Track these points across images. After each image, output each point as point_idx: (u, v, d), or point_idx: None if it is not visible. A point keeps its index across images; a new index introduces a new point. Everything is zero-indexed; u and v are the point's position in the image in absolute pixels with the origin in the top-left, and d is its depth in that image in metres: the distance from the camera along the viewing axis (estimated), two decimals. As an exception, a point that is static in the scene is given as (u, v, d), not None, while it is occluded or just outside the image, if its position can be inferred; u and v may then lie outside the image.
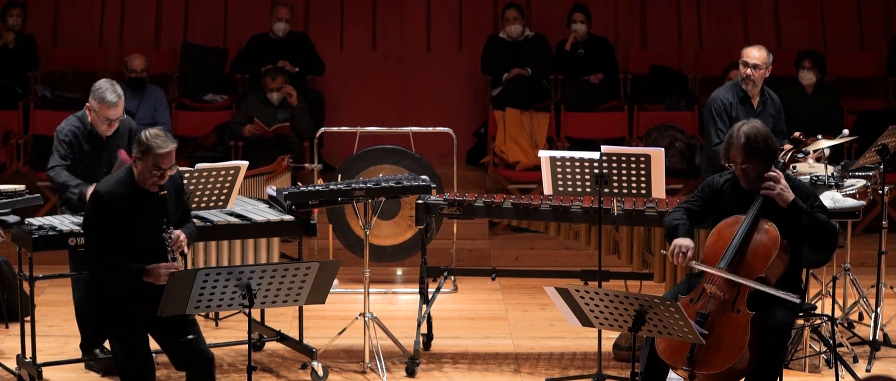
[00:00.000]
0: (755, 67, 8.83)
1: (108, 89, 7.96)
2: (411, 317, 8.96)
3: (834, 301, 8.79)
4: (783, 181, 6.85)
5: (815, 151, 8.63)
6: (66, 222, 7.71)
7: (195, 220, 7.39)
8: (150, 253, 6.67)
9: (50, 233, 7.55)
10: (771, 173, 6.85)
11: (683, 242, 6.92)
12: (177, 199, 6.86)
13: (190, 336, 6.65)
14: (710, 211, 7.08)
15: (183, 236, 6.73)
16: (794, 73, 11.48)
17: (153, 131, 6.67)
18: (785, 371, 7.47)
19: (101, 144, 8.10)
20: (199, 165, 7.92)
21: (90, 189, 7.94)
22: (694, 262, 6.88)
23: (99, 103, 7.96)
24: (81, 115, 8.11)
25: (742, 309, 6.71)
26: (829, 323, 7.99)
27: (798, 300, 6.83)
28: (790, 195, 6.82)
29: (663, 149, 7.92)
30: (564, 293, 6.51)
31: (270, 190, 8.35)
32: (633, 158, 7.80)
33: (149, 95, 11.45)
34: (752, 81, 8.85)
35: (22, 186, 8.40)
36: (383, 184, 8.29)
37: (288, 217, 8.05)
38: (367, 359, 8.31)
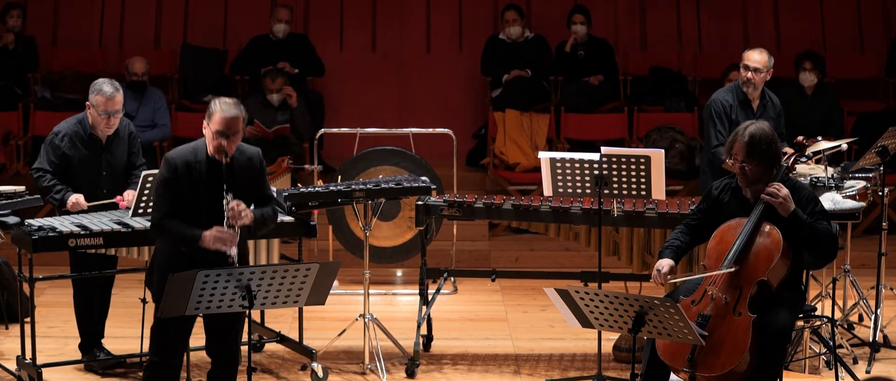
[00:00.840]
0: (756, 70, 8.82)
1: (105, 83, 7.97)
2: (411, 318, 8.96)
3: (834, 303, 8.79)
4: (785, 191, 6.80)
5: (815, 154, 8.63)
6: (66, 223, 7.70)
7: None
8: (212, 222, 6.63)
9: (50, 234, 7.54)
10: (775, 185, 6.82)
11: (660, 262, 6.92)
12: (251, 177, 6.77)
13: (223, 341, 6.68)
14: (712, 220, 7.04)
15: (243, 207, 6.63)
16: (793, 74, 11.49)
17: (224, 99, 6.73)
18: (785, 373, 7.47)
19: (99, 148, 8.09)
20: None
21: (72, 198, 7.95)
22: (670, 277, 6.88)
23: (97, 96, 7.95)
24: (82, 117, 8.09)
25: (743, 312, 6.70)
26: (829, 325, 7.99)
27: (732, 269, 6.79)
28: (791, 206, 6.79)
29: (663, 150, 7.92)
30: (564, 295, 6.51)
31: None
32: (632, 160, 7.80)
33: (148, 98, 11.47)
34: (752, 84, 8.84)
35: (22, 187, 8.39)
36: (383, 185, 8.29)
37: (288, 218, 8.05)
38: (366, 360, 8.31)
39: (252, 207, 6.76)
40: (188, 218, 6.65)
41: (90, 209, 7.99)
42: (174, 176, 6.65)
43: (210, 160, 6.69)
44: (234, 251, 6.62)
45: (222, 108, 6.67)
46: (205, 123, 6.70)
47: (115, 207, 8.06)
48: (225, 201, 6.62)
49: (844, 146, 8.64)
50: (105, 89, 7.94)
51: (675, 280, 6.91)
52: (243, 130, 6.75)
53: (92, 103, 7.99)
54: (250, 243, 8.12)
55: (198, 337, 6.97)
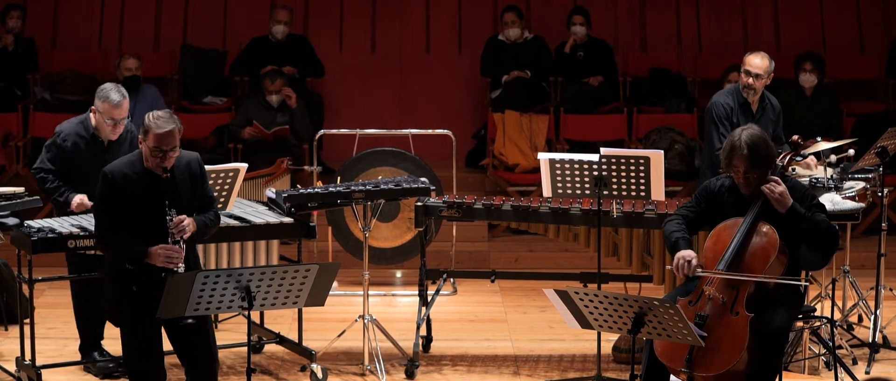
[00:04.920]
0: (757, 76, 8.79)
1: (113, 89, 7.98)
2: (411, 319, 8.97)
3: (833, 303, 8.80)
4: (782, 187, 6.83)
5: (815, 156, 8.63)
6: (65, 225, 7.70)
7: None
8: (157, 236, 6.58)
9: (49, 235, 7.54)
10: (773, 178, 6.84)
11: (686, 253, 6.89)
12: (192, 185, 6.73)
13: (189, 320, 6.53)
14: (708, 216, 7.06)
15: (187, 221, 6.60)
16: (793, 75, 11.49)
17: (157, 113, 6.61)
18: (784, 374, 7.46)
19: (101, 150, 8.08)
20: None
21: (76, 198, 7.94)
22: (699, 270, 6.86)
23: (103, 103, 7.95)
24: (84, 119, 8.09)
25: (741, 311, 6.71)
26: (829, 325, 7.99)
27: (802, 283, 6.80)
28: (789, 201, 6.81)
29: (662, 151, 7.93)
30: (564, 295, 6.51)
31: (270, 192, 8.35)
32: (632, 161, 7.80)
33: (144, 95, 11.46)
34: (753, 89, 8.82)
35: (21, 189, 8.40)
36: (382, 186, 8.29)
37: (287, 219, 8.04)
38: (366, 361, 8.31)
39: (194, 214, 6.72)
40: (130, 232, 6.60)
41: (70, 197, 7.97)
42: (113, 190, 6.59)
43: (148, 173, 6.61)
44: (181, 267, 6.58)
45: (157, 124, 6.53)
46: (140, 137, 6.60)
47: (89, 188, 8.02)
48: (168, 217, 6.58)
49: (851, 153, 8.64)
50: (112, 97, 7.94)
51: (701, 273, 6.85)
52: (180, 142, 6.62)
53: (98, 109, 7.98)
54: (249, 244, 8.14)
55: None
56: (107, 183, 6.61)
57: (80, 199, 7.98)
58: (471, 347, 8.94)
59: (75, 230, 7.59)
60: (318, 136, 10.63)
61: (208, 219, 6.80)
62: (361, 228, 8.32)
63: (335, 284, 9.82)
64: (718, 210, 7.01)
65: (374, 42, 13.27)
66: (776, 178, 6.86)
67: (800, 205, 6.86)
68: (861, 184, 8.51)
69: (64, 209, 8.04)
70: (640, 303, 6.34)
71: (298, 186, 9.43)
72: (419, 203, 8.42)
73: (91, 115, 8.05)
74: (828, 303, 8.78)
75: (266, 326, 8.78)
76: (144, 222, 6.59)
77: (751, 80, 8.80)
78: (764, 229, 6.83)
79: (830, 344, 7.99)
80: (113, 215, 6.60)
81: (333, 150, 12.27)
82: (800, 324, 7.90)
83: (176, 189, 6.62)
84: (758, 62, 8.81)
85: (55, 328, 9.16)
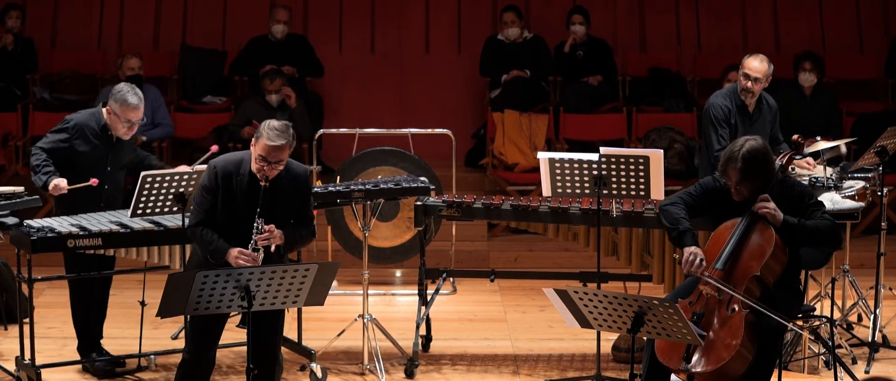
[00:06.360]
0: (756, 80, 8.76)
1: (130, 92, 7.98)
2: (410, 319, 8.96)
3: (833, 303, 8.80)
4: (771, 204, 6.81)
5: (812, 156, 8.63)
6: (65, 224, 7.70)
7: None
8: (242, 238, 6.70)
9: (49, 235, 7.54)
10: (762, 198, 6.83)
11: (698, 251, 6.88)
12: (293, 198, 6.82)
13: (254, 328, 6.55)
14: (705, 210, 7.07)
15: (276, 232, 6.71)
16: (792, 75, 11.49)
17: (274, 123, 6.73)
18: (784, 373, 7.47)
19: (109, 144, 8.07)
20: (198, 167, 7.93)
21: (54, 181, 7.88)
22: (706, 274, 6.85)
23: (121, 106, 7.94)
24: (96, 112, 8.08)
25: (737, 308, 6.72)
26: (828, 325, 7.99)
27: (787, 322, 6.79)
28: (780, 217, 6.80)
29: (662, 151, 7.92)
30: (563, 295, 6.51)
31: (269, 192, 8.33)
32: (631, 160, 7.80)
33: (145, 96, 11.43)
34: (751, 92, 8.81)
35: (21, 188, 8.39)
36: (382, 186, 8.29)
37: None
38: (365, 361, 8.31)
39: (290, 226, 6.80)
40: (223, 228, 6.73)
41: (70, 193, 7.93)
42: (213, 184, 6.75)
43: (252, 176, 6.76)
44: None
45: (270, 135, 6.69)
46: (253, 139, 6.76)
47: (91, 188, 7.98)
48: (256, 225, 6.68)
49: (843, 150, 8.63)
50: (130, 100, 7.94)
51: (710, 281, 6.84)
52: (290, 154, 6.76)
53: (114, 110, 7.94)
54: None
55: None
56: (210, 175, 6.77)
57: (57, 182, 7.89)
58: (470, 346, 8.94)
59: (75, 230, 7.59)
60: (317, 135, 10.63)
61: (299, 233, 6.88)
62: (361, 227, 8.33)
63: (335, 283, 9.82)
64: (717, 206, 7.01)
65: (373, 42, 13.27)
66: (766, 196, 6.83)
67: (798, 204, 6.86)
68: (860, 183, 8.51)
69: (43, 188, 7.94)
70: (639, 302, 6.34)
71: (298, 185, 9.43)
72: (419, 203, 8.42)
73: (104, 111, 8.05)
74: (827, 302, 8.78)
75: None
76: (235, 221, 6.73)
77: (749, 83, 8.78)
78: (761, 228, 6.84)
79: (830, 344, 7.99)
80: (208, 207, 6.74)
81: (333, 149, 12.27)
82: (799, 323, 7.90)
83: (272, 199, 6.74)
84: (757, 66, 8.78)
85: (55, 327, 9.15)
